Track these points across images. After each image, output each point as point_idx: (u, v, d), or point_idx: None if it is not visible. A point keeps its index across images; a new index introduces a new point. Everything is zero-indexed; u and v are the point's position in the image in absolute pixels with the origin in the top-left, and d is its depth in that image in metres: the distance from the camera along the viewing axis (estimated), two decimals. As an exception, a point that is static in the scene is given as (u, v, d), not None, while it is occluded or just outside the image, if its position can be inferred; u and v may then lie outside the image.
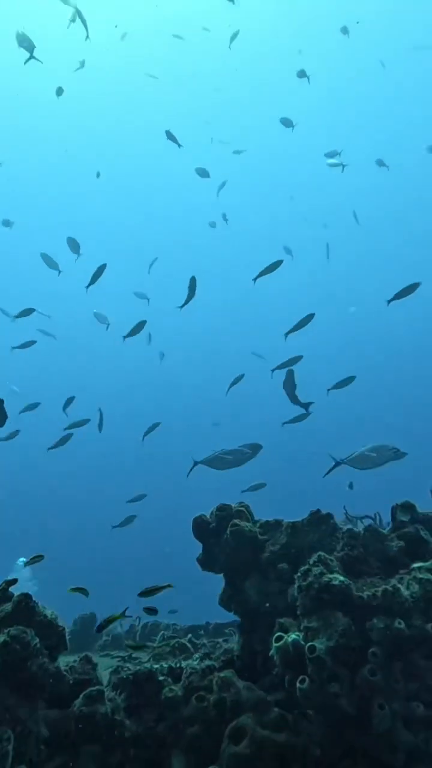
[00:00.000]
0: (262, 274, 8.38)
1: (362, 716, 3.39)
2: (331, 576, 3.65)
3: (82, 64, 17.66)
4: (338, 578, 3.63)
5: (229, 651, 4.77)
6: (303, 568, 3.83)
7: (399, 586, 3.56)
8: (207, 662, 4.34)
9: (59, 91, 15.15)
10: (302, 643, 3.55)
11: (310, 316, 8.14)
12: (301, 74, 14.37)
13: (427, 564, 3.81)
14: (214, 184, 19.72)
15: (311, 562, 3.83)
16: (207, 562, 4.91)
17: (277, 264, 8.22)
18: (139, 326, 9.47)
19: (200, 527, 4.93)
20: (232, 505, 5.01)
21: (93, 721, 3.69)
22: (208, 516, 5.01)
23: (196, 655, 4.83)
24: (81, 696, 3.78)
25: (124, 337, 9.91)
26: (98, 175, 21.09)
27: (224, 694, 3.92)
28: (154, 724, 3.95)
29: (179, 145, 12.09)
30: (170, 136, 12.06)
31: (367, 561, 4.02)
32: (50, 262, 13.82)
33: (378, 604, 3.55)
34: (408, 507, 4.43)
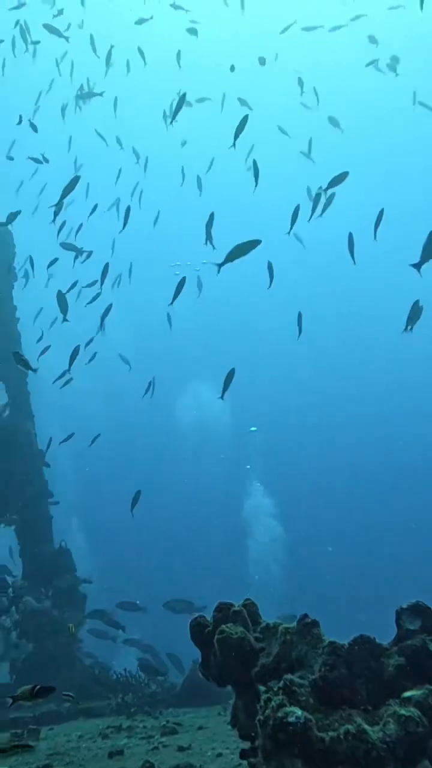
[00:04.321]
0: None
1: None
2: (288, 710, 2.98)
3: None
4: (296, 713, 2.95)
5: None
6: (264, 696, 3.18)
7: (365, 727, 2.81)
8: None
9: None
10: (254, 797, 2.90)
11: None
12: None
13: (418, 693, 3.01)
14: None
15: (274, 688, 3.18)
16: (204, 672, 4.34)
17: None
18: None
19: (196, 632, 4.39)
20: (234, 605, 4.43)
21: None
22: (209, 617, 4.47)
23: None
24: None
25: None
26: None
27: None
28: None
29: None
30: None
31: (352, 685, 3.28)
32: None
33: (344, 749, 2.82)
34: (419, 610, 3.61)
